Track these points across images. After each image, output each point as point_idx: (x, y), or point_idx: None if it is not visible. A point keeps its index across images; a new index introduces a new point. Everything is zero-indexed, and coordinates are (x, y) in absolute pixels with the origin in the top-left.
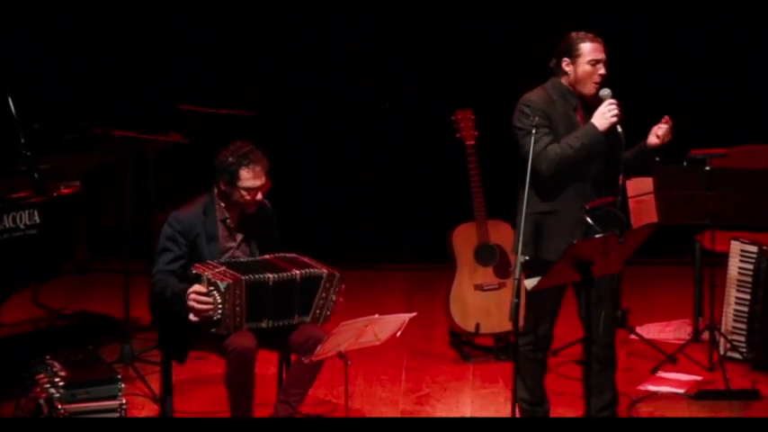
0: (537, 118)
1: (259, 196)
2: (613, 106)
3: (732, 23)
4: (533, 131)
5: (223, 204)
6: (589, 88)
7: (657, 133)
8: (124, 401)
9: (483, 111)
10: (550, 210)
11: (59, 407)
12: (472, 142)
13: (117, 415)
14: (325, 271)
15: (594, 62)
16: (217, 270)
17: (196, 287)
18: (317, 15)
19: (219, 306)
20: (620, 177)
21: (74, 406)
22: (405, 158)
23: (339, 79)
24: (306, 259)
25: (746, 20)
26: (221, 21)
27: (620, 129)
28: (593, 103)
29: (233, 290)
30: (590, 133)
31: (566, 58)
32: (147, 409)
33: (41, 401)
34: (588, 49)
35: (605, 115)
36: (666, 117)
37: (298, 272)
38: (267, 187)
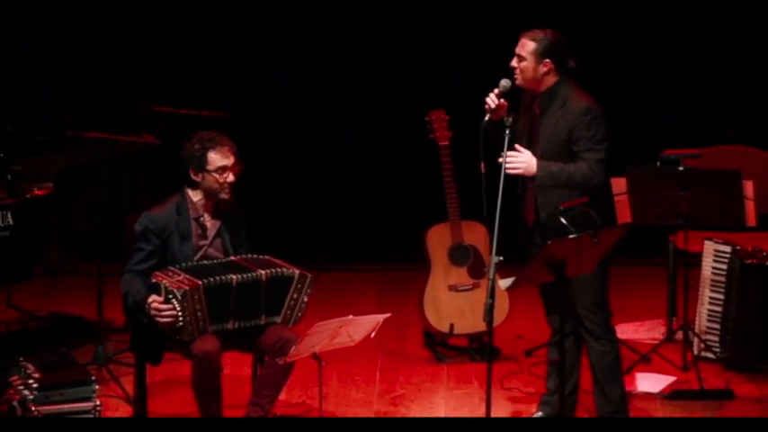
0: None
1: (231, 178)
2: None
3: (705, 21)
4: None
5: (195, 200)
6: None
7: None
8: (98, 403)
9: (457, 111)
10: None
11: (33, 409)
12: (446, 143)
13: (91, 416)
14: (296, 272)
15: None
16: (175, 278)
17: (154, 297)
18: (286, 15)
19: (180, 314)
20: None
21: (48, 408)
22: (379, 159)
23: (311, 80)
24: (277, 261)
25: (717, 17)
26: (197, 20)
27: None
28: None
29: (190, 296)
30: None
31: None
32: (122, 411)
33: (15, 404)
34: None
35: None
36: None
37: (263, 272)
38: (238, 169)
